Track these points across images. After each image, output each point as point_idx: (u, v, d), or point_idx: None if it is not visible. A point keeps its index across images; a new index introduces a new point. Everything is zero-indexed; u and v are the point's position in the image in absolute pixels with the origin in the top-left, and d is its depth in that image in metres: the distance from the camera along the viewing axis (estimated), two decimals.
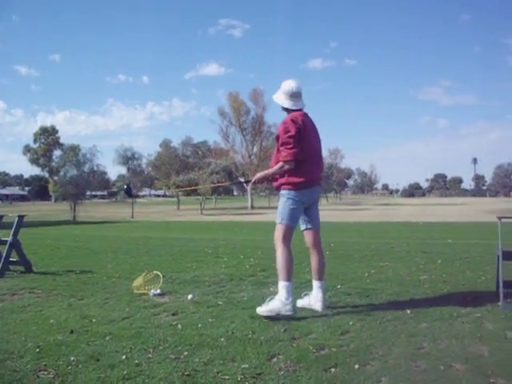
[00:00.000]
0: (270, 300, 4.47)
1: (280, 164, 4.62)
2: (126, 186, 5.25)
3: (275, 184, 4.77)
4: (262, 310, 4.41)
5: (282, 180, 4.64)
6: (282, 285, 4.47)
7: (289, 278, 4.51)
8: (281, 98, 4.80)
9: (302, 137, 4.58)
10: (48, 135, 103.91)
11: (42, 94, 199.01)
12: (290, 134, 4.55)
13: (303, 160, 4.57)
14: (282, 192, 4.67)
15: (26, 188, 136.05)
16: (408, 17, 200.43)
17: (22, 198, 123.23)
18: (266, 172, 4.82)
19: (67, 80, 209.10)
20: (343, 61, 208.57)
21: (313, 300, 4.71)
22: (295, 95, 4.76)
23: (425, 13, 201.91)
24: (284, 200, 4.64)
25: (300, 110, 4.79)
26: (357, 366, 3.19)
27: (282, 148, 4.60)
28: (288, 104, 4.76)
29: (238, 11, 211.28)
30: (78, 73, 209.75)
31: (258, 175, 4.92)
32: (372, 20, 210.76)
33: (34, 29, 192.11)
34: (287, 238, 4.63)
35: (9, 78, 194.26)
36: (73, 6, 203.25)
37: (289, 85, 4.78)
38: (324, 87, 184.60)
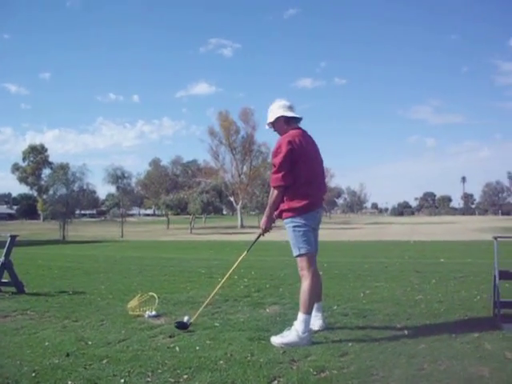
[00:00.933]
0: (286, 330, 4.34)
1: (271, 191, 4.55)
2: (176, 324, 4.98)
3: (276, 211, 4.59)
4: (277, 341, 4.22)
5: (283, 206, 4.49)
6: (303, 318, 4.32)
7: (310, 312, 4.38)
8: (279, 112, 4.63)
9: (299, 158, 4.42)
10: (37, 154, 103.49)
11: (31, 113, 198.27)
12: (279, 155, 4.42)
13: (302, 183, 4.43)
14: (286, 221, 4.50)
15: (14, 207, 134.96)
16: (396, 36, 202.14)
17: (10, 217, 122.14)
18: (267, 210, 4.62)
19: (57, 98, 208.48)
20: (333, 80, 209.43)
21: (312, 320, 4.61)
22: (291, 107, 4.68)
23: (413, 33, 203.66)
24: (291, 230, 4.46)
25: (299, 128, 4.65)
26: None
27: (272, 170, 4.53)
28: (290, 114, 4.62)
29: (228, 31, 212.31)
30: (68, 91, 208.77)
31: (264, 220, 4.67)
32: (362, 40, 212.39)
33: (25, 47, 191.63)
34: (313, 267, 4.46)
35: None
36: (63, 24, 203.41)
37: (280, 100, 4.71)
38: (313, 106, 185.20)
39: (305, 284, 4.40)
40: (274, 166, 4.47)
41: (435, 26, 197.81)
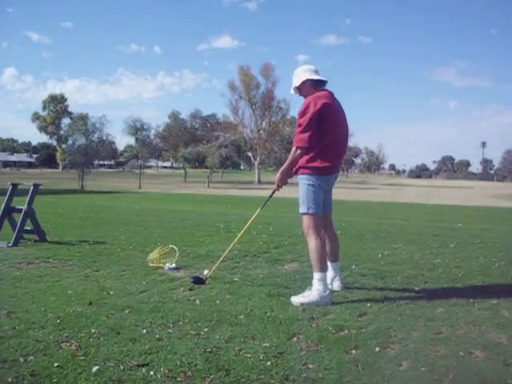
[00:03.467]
0: (307, 290, 4.36)
1: (293, 149, 4.49)
2: (192, 279, 4.97)
3: (294, 167, 4.55)
4: (297, 301, 4.24)
5: (302, 163, 4.43)
6: (319, 276, 4.33)
7: (324, 269, 4.40)
8: (305, 76, 4.54)
9: (327, 119, 4.36)
10: (57, 103, 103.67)
11: (52, 61, 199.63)
12: (306, 115, 4.34)
13: (327, 144, 4.39)
14: (301, 177, 4.47)
15: (34, 155, 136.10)
16: None
17: (30, 165, 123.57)
18: (285, 167, 4.59)
19: (79, 48, 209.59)
20: (357, 38, 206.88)
21: (330, 280, 4.66)
22: (317, 71, 4.62)
23: None
24: (305, 187, 4.44)
25: (326, 90, 4.57)
26: (377, 349, 3.20)
27: (297, 130, 4.46)
28: (316, 77, 4.55)
29: None
30: (89, 41, 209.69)
31: (279, 176, 4.65)
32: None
33: None
34: (318, 227, 4.48)
35: (20, 44, 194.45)
36: None
37: (305, 65, 4.68)
38: (336, 64, 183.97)
39: (312, 243, 4.44)
40: (300, 125, 4.40)
41: None
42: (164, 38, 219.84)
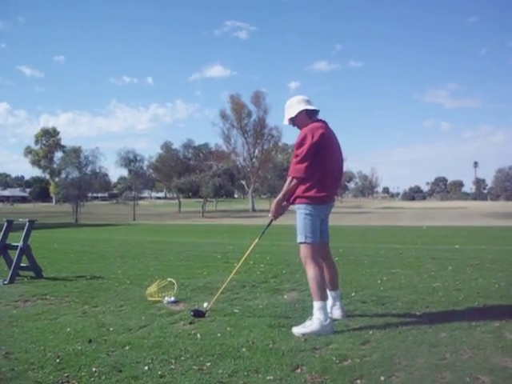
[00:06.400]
0: (308, 320, 4.31)
1: (288, 179, 4.50)
2: (192, 313, 4.95)
3: (290, 197, 4.56)
4: (299, 331, 4.20)
5: (299, 192, 4.45)
6: (319, 305, 4.30)
7: (324, 298, 4.37)
8: (301, 107, 4.56)
9: (324, 149, 4.38)
10: (49, 137, 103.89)
11: (45, 95, 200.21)
12: (304, 146, 4.36)
13: (324, 174, 4.40)
14: (299, 206, 4.47)
15: (27, 189, 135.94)
16: (414, 19, 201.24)
17: (23, 200, 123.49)
18: (280, 198, 4.59)
19: (71, 81, 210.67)
20: (348, 63, 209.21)
21: (331, 309, 4.63)
22: (309, 101, 4.64)
23: (431, 15, 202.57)
24: (302, 216, 4.44)
25: (320, 120, 4.59)
26: (382, 378, 3.15)
27: (293, 160, 4.47)
28: (311, 107, 4.56)
29: (244, 13, 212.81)
30: (82, 74, 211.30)
31: (274, 207, 4.63)
32: (378, 22, 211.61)
33: (39, 30, 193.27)
34: (316, 256, 4.47)
35: (13, 78, 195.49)
36: (77, 7, 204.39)
37: (297, 96, 4.69)
38: (328, 89, 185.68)
39: (310, 272, 4.42)
40: (297, 156, 4.41)
41: (454, 8, 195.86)
42: (156, 69, 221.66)
